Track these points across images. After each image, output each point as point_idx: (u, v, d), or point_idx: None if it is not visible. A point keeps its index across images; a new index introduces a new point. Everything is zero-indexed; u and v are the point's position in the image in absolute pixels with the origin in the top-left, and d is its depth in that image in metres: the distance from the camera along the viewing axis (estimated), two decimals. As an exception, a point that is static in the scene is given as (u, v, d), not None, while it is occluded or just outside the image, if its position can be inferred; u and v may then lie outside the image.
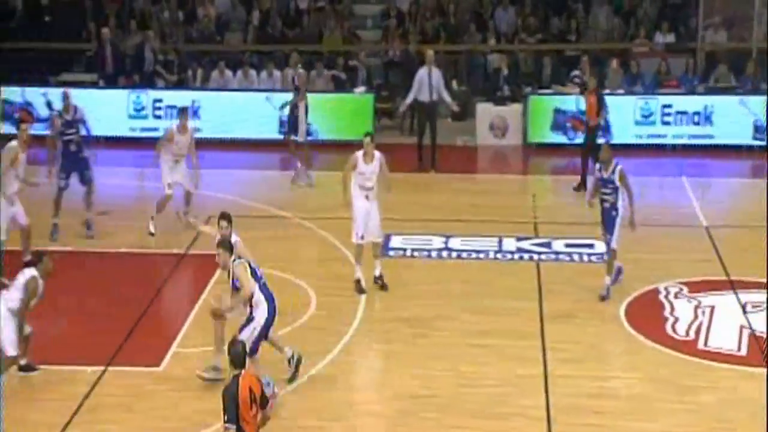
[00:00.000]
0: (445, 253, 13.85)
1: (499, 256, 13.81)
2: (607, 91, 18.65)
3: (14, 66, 19.63)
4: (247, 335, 9.89)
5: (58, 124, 13.90)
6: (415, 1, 21.42)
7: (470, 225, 14.70)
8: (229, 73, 19.34)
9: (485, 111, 18.86)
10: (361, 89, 19.15)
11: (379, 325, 11.86)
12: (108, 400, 10.15)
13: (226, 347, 8.40)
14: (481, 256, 13.77)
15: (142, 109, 18.44)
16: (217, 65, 19.41)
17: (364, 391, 10.53)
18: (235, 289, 10.03)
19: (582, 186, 15.98)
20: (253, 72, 19.37)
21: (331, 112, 18.44)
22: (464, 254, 13.81)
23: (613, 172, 12.14)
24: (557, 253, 13.76)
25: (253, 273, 9.98)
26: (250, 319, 10.04)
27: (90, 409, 10.01)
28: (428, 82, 16.89)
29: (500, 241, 14.15)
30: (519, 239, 14.23)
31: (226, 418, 7.53)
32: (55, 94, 18.25)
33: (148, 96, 18.57)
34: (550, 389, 10.37)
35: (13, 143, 12.37)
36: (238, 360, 7.74)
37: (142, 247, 13.74)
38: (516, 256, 13.79)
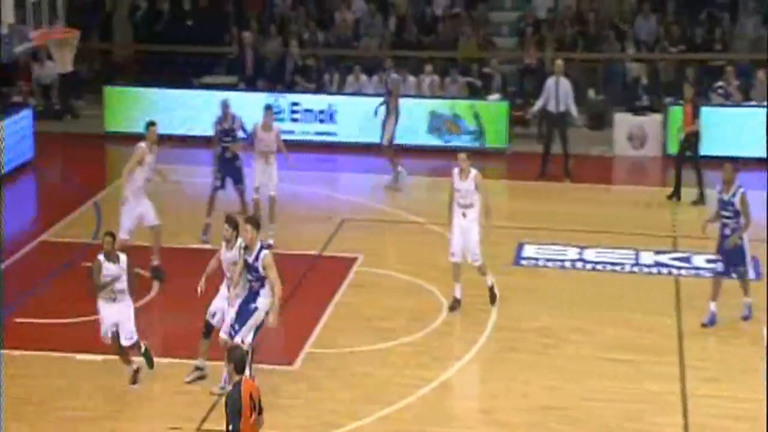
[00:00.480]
0: (579, 264, 13.68)
1: (635, 269, 13.56)
2: (754, 102, 18.11)
3: (159, 68, 20.39)
4: (252, 324, 10.09)
5: (217, 129, 14.30)
6: (552, 8, 21.24)
7: (605, 236, 14.47)
8: (364, 77, 19.58)
9: (623, 121, 18.53)
10: (495, 96, 19.11)
11: (510, 334, 11.79)
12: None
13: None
14: (617, 268, 13.54)
15: (280, 112, 18.85)
16: (353, 70, 19.67)
17: (495, 400, 10.47)
18: (254, 272, 10.07)
19: (675, 195, 15.88)
20: (350, 77, 19.53)
21: (465, 119, 18.48)
22: (599, 266, 13.61)
23: (734, 194, 11.46)
24: (698, 268, 13.41)
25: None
26: (254, 308, 10.13)
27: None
28: (555, 92, 16.76)
29: (637, 254, 13.89)
30: (657, 252, 13.93)
31: (230, 427, 7.56)
32: (196, 95, 18.97)
33: (285, 99, 18.97)
34: (689, 408, 10.12)
35: (142, 143, 12.68)
36: (240, 366, 7.76)
37: (276, 247, 13.99)
38: (654, 269, 13.51)
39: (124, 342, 10.31)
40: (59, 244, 14.02)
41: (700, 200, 15.69)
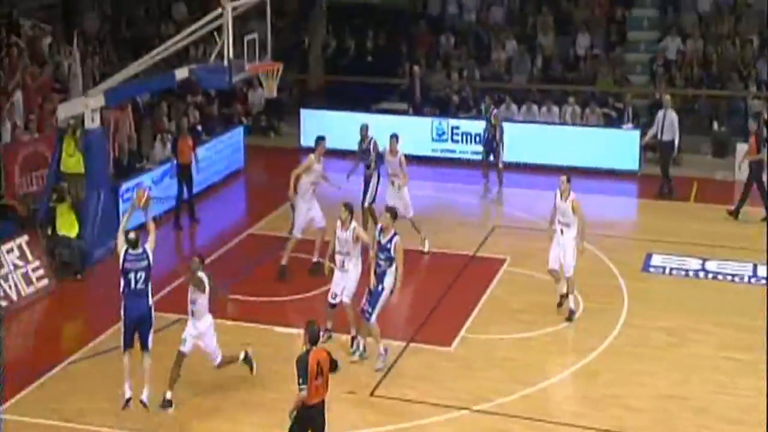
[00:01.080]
0: (701, 274, 13.16)
1: (753, 280, 12.92)
2: None
3: (344, 95, 20.81)
4: (381, 305, 10.23)
5: (359, 150, 14.26)
6: (681, 51, 20.49)
7: (726, 250, 13.83)
8: (514, 106, 19.39)
9: (744, 150, 17.64)
10: (628, 126, 18.56)
11: (639, 332, 11.45)
12: (408, 371, 10.48)
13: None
14: (736, 279, 12.92)
15: (443, 134, 18.90)
16: (505, 100, 19.51)
17: (624, 387, 10.18)
18: (385, 251, 10.25)
19: (735, 213, 15.18)
20: (534, 107, 19.30)
21: (602, 145, 18.04)
22: (720, 276, 13.03)
23: (390, 240, 10.23)
24: (811, 281, 12.65)
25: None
26: (382, 290, 10.23)
27: (395, 375, 10.39)
28: (662, 123, 16.17)
29: (755, 267, 13.22)
30: (773, 266, 13.23)
31: (300, 381, 7.79)
32: (373, 118, 19.19)
33: (448, 123, 18.98)
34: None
35: (311, 155, 12.81)
36: (313, 338, 7.94)
37: (439, 247, 14.02)
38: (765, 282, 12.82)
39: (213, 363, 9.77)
40: (264, 237, 14.46)
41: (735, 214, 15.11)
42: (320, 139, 12.91)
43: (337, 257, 10.62)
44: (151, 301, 9.44)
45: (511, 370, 10.53)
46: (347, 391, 9.94)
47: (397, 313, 11.82)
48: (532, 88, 20.34)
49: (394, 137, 13.94)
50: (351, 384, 10.11)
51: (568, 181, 11.60)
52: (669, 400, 9.83)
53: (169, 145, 15.96)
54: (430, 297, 12.36)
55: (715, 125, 19.10)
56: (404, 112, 19.69)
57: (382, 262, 10.32)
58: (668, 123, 16.29)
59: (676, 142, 16.50)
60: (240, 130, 18.55)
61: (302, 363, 7.87)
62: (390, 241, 10.29)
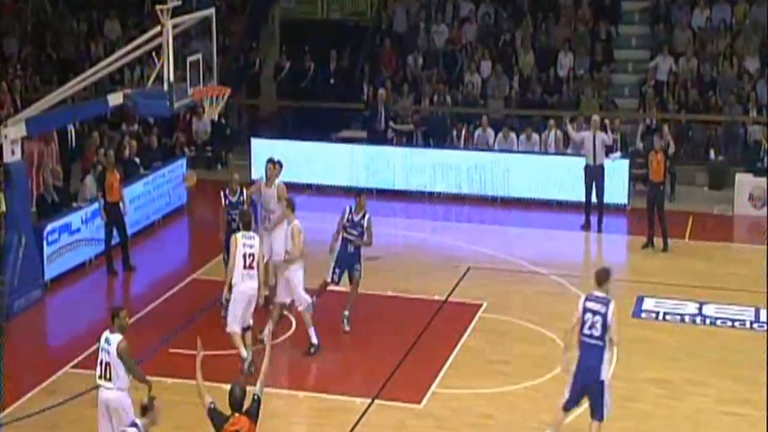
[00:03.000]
0: (698, 319, 13.41)
1: (756, 326, 13.21)
2: None
3: (300, 123, 21.01)
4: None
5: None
6: (673, 71, 21.01)
7: (726, 294, 14.13)
8: (490, 130, 19.63)
9: (744, 181, 18.14)
10: (616, 155, 18.93)
11: (629, 385, 11.60)
12: (373, 431, 10.55)
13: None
14: (737, 324, 13.21)
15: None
16: (481, 122, 19.76)
17: (613, 448, 10.31)
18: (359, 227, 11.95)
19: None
20: (512, 135, 19.61)
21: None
22: (719, 321, 13.31)
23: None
24: (817, 327, 12.96)
25: None
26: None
27: (357, 437, 10.47)
28: (593, 146, 16.75)
29: (757, 312, 13.53)
30: (777, 311, 13.55)
31: None
32: (331, 148, 19.45)
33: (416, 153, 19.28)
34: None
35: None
36: (235, 403, 7.92)
37: (408, 292, 14.17)
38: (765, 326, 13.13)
39: None
40: (210, 282, 14.42)
41: None
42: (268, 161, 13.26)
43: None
44: None
45: (489, 430, 10.64)
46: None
47: (361, 366, 11.91)
48: (509, 114, 20.72)
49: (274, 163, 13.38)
50: None
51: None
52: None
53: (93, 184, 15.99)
54: (398, 348, 12.44)
55: (712, 154, 19.56)
56: (368, 141, 19.90)
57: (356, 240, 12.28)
58: (599, 146, 16.73)
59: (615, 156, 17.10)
60: (182, 162, 18.65)
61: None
62: (363, 217, 11.96)
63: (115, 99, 14.12)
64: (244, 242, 11.36)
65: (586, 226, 16.99)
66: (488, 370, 11.88)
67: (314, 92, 21.63)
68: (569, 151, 18.76)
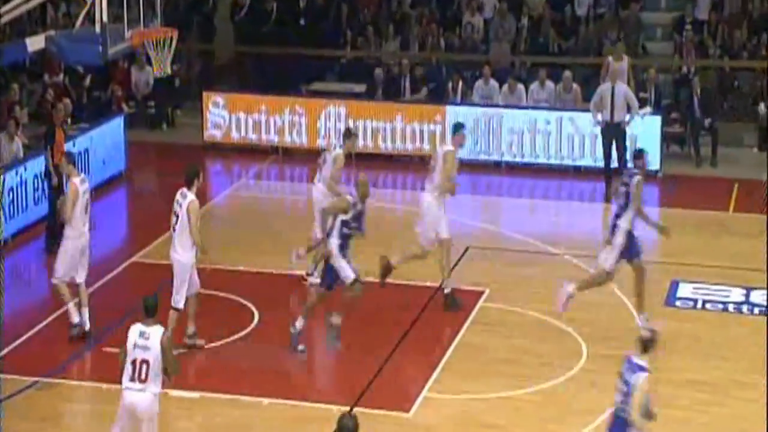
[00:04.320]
0: (745, 308, 13.44)
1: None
2: None
3: (263, 74, 20.85)
4: None
5: None
6: (715, 8, 20.91)
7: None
8: (494, 82, 19.49)
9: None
10: (646, 110, 18.85)
11: (664, 388, 11.49)
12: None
13: None
14: (757, 311, 13.24)
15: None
16: (482, 74, 19.64)
17: (643, 462, 10.27)
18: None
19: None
20: (520, 86, 19.49)
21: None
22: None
23: None
24: None
25: None
26: None
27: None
28: (611, 100, 16.72)
29: (772, 293, 13.56)
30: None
31: None
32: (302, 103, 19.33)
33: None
34: None
35: (339, 151, 13.40)
36: None
37: (396, 277, 14.02)
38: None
39: None
40: (152, 266, 14.32)
41: None
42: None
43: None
44: None
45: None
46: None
47: (339, 367, 11.86)
48: (515, 62, 20.62)
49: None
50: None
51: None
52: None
53: (19, 141, 15.86)
54: (383, 345, 12.37)
55: (762, 108, 19.50)
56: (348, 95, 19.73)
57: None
58: (619, 100, 16.63)
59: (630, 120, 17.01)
60: (120, 120, 18.47)
61: None
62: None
63: (35, 43, 13.92)
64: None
65: (608, 197, 16.93)
66: (490, 371, 11.87)
67: (280, 36, 21.40)
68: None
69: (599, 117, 16.97)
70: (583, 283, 12.64)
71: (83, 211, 12.45)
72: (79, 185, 12.42)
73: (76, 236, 12.41)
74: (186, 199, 11.95)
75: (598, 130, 17.45)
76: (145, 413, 9.19)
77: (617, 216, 12.51)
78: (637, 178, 12.40)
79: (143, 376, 9.14)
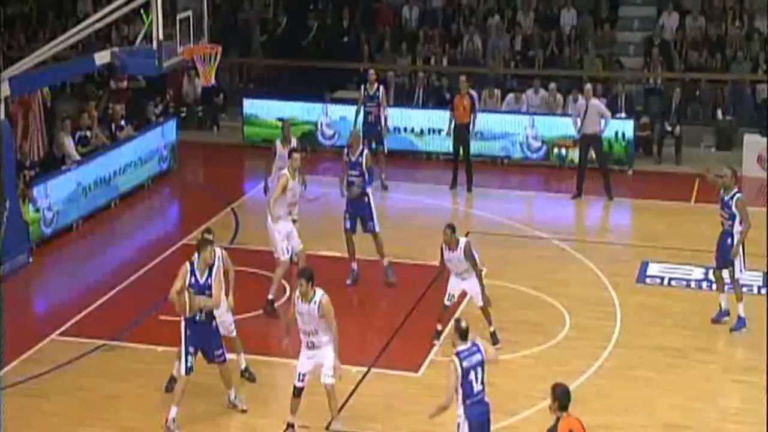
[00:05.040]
0: (705, 284, 13.24)
1: (763, 291, 13.07)
2: None
3: (292, 83, 20.72)
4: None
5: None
6: (679, 30, 20.71)
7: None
8: (497, 92, 19.33)
9: (753, 142, 17.92)
10: (620, 115, 18.70)
11: (634, 352, 11.51)
12: (369, 401, 10.43)
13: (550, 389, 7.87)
14: (745, 290, 13.03)
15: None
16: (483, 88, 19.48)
17: (618, 416, 10.20)
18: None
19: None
20: (511, 95, 19.31)
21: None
22: (727, 288, 13.10)
23: (732, 197, 11.73)
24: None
25: None
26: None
27: (355, 405, 10.34)
28: (584, 114, 16.39)
29: (766, 276, 13.37)
30: (788, 275, 13.41)
31: None
32: (328, 109, 19.21)
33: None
34: (819, 434, 9.65)
35: (284, 171, 12.45)
36: (563, 403, 7.66)
37: (403, 257, 13.98)
38: (764, 290, 12.99)
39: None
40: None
41: None
42: (293, 151, 12.58)
43: (302, 336, 9.70)
44: None
45: (490, 399, 10.49)
46: (300, 425, 9.87)
47: (357, 335, 11.77)
48: (508, 74, 20.46)
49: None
50: (304, 416, 10.03)
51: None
52: (669, 430, 9.88)
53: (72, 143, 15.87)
54: (395, 315, 12.31)
55: (719, 114, 19.33)
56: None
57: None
58: (592, 113, 16.44)
59: (605, 129, 16.67)
60: (172, 123, 18.40)
61: None
62: (361, 154, 12.70)
63: (102, 57, 13.87)
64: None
65: (577, 195, 16.73)
66: (486, 338, 11.66)
67: (305, 51, 21.31)
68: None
69: (578, 126, 16.75)
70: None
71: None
72: None
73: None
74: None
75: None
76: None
77: None
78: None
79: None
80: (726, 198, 11.96)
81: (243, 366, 10.81)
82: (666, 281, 13.40)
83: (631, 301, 12.69)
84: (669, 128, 18.58)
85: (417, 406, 10.16)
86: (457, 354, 8.50)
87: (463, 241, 11.28)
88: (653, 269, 13.70)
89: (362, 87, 16.77)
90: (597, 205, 16.74)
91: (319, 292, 9.49)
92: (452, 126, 16.85)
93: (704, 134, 19.32)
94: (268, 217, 12.25)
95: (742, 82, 19.66)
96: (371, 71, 17.01)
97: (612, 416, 10.21)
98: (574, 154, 18.16)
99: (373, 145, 16.26)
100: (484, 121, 17.90)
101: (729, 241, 11.91)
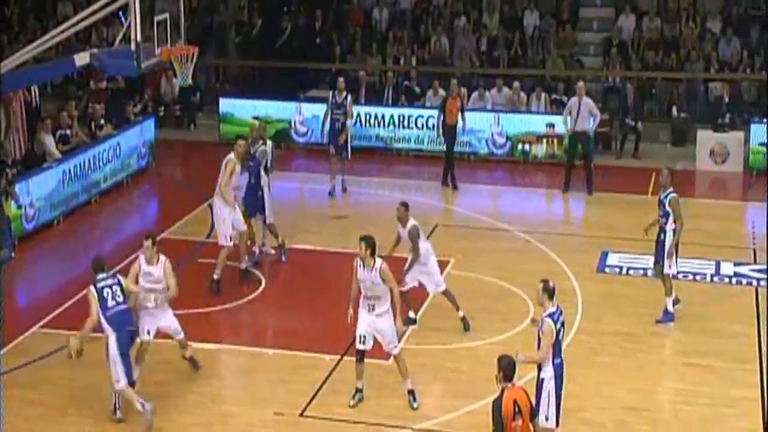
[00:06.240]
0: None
1: (716, 279, 13.22)
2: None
3: (267, 83, 20.67)
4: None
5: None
6: (637, 28, 20.87)
7: (687, 248, 14.02)
8: (463, 91, 19.30)
9: (706, 138, 18.12)
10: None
11: (596, 338, 11.59)
12: (342, 387, 10.45)
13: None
14: (698, 278, 13.20)
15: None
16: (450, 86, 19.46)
17: (580, 400, 10.26)
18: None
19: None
20: (488, 93, 19.36)
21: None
22: (680, 276, 13.21)
23: (666, 196, 11.77)
24: (776, 279, 13.00)
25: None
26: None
27: (328, 392, 10.36)
28: (577, 111, 16.41)
29: (718, 265, 13.53)
30: (737, 264, 13.55)
31: (494, 428, 7.60)
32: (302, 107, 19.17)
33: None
34: (769, 414, 9.81)
35: (231, 156, 12.58)
36: (508, 373, 7.75)
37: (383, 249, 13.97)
38: (734, 280, 13.15)
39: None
40: (180, 242, 14.23)
41: None
42: (239, 137, 12.85)
43: (365, 301, 9.92)
44: None
45: (457, 384, 10.58)
46: (275, 412, 9.88)
47: (330, 324, 11.78)
48: (475, 73, 20.51)
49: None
50: (278, 404, 10.04)
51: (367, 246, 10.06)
52: (629, 413, 9.98)
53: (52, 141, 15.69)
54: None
55: (674, 111, 19.52)
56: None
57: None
58: (584, 111, 16.47)
59: (595, 127, 16.72)
60: (151, 122, 18.29)
61: (496, 405, 7.62)
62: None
63: (81, 59, 13.74)
64: None
65: (565, 189, 16.74)
66: (455, 326, 11.78)
67: (280, 52, 21.24)
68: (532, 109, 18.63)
69: (568, 124, 16.77)
70: None
71: None
72: None
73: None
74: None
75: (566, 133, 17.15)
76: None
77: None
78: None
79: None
80: (661, 197, 11.93)
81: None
82: (624, 270, 13.50)
83: (593, 290, 12.79)
84: (632, 123, 18.72)
85: (391, 393, 10.21)
86: (550, 315, 8.75)
87: (411, 223, 11.38)
88: (612, 259, 13.80)
89: (331, 93, 16.47)
90: (558, 198, 16.86)
91: (379, 260, 9.83)
92: (442, 126, 16.77)
93: (660, 130, 19.49)
94: (216, 202, 12.56)
95: (696, 81, 19.85)
96: (340, 79, 16.69)
97: (574, 399, 10.22)
98: (538, 150, 18.33)
99: (333, 151, 16.22)
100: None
101: (662, 237, 11.93)
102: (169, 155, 18.58)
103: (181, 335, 10.29)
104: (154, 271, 10.05)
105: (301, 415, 9.92)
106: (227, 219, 12.54)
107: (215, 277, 12.51)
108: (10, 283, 13.36)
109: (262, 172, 13.25)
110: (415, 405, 10.03)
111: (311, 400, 10.12)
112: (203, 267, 12.95)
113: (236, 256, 12.84)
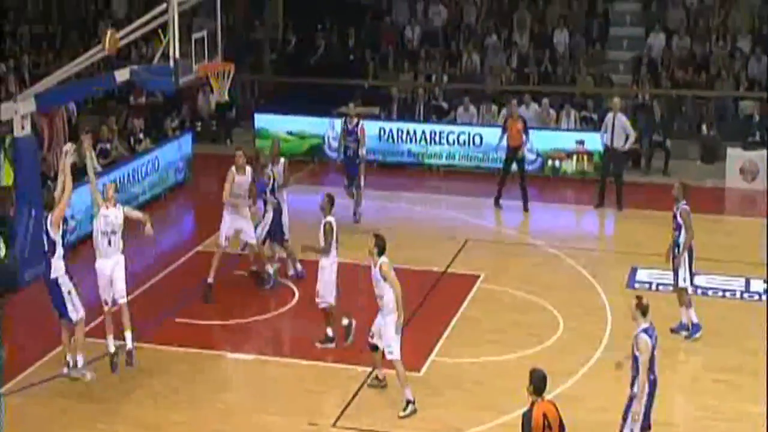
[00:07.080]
0: (690, 290, 13.21)
1: (746, 296, 13.10)
2: None
3: (301, 99, 20.80)
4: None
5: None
6: (667, 46, 20.78)
7: (717, 264, 14.00)
8: (494, 108, 19.44)
9: (736, 155, 17.99)
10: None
11: (623, 352, 11.43)
12: (374, 399, 10.47)
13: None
14: (728, 294, 13.09)
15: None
16: (482, 102, 19.56)
17: (607, 413, 10.20)
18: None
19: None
20: (505, 110, 19.31)
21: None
22: (710, 292, 13.18)
23: (677, 208, 11.89)
24: (807, 297, 12.86)
25: None
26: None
27: (360, 403, 10.39)
28: (611, 127, 16.31)
29: (747, 282, 13.41)
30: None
31: None
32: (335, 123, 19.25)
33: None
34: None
35: (232, 167, 13.04)
36: (539, 387, 7.74)
37: (407, 263, 14.02)
38: (764, 297, 13.02)
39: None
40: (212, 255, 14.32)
41: None
42: (237, 149, 13.52)
43: (377, 299, 10.15)
44: None
45: (486, 397, 10.56)
46: (308, 423, 9.91)
47: (363, 336, 11.79)
48: (506, 90, 20.52)
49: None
50: (311, 414, 10.08)
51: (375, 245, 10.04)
52: (657, 428, 9.86)
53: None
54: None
55: (704, 129, 19.38)
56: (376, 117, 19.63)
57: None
58: (618, 128, 16.40)
59: (628, 146, 16.60)
60: (188, 137, 18.47)
61: (526, 419, 7.62)
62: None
63: (121, 75, 13.91)
64: None
65: (598, 204, 16.61)
66: (484, 340, 11.80)
67: (315, 68, 21.40)
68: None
69: (605, 139, 16.63)
70: None
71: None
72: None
73: None
74: None
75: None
76: None
77: None
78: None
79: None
80: (675, 209, 12.04)
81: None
82: (654, 286, 13.43)
83: (621, 305, 12.69)
84: (660, 140, 18.63)
85: (419, 405, 10.20)
86: (645, 331, 8.76)
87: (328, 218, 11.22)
88: (642, 275, 13.73)
89: (342, 120, 15.71)
90: (588, 214, 16.79)
91: (383, 258, 9.82)
92: (503, 146, 16.50)
93: (690, 148, 19.37)
94: (225, 209, 13.06)
95: (726, 99, 19.71)
96: (351, 104, 15.91)
97: (601, 414, 10.24)
98: (568, 166, 18.28)
99: (346, 182, 15.45)
100: (483, 135, 17.95)
101: (676, 250, 11.94)
102: (205, 169, 18.71)
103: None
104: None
105: (334, 425, 9.95)
106: (227, 221, 12.88)
107: (209, 280, 12.64)
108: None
109: (268, 194, 13.27)
110: (401, 414, 10.00)
111: (343, 410, 10.13)
112: (238, 279, 13.04)
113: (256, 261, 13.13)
